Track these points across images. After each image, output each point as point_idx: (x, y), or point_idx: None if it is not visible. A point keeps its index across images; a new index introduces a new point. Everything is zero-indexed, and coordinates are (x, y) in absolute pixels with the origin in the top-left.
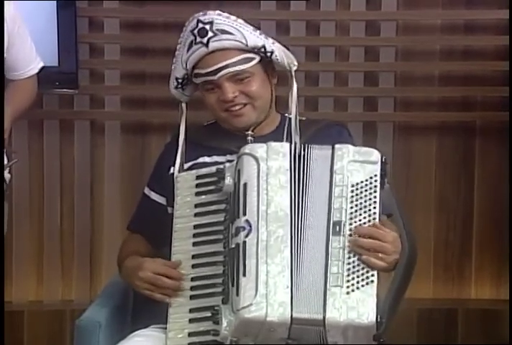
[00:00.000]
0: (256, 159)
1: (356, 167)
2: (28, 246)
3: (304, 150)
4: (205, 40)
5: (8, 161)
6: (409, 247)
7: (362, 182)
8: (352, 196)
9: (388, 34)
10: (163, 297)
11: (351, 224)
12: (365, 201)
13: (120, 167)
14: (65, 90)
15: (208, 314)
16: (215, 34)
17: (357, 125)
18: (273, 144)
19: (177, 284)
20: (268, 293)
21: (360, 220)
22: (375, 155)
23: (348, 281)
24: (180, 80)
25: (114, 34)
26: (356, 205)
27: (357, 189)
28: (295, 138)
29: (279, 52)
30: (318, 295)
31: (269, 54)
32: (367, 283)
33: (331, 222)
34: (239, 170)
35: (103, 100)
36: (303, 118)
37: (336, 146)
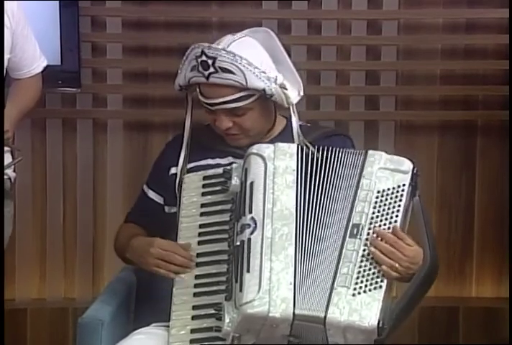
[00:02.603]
0: (263, 158)
1: (385, 174)
2: (31, 245)
3: (331, 153)
4: (206, 73)
5: (13, 159)
6: (430, 263)
7: (388, 189)
8: (376, 202)
9: (390, 33)
10: (170, 273)
11: (369, 229)
12: (388, 208)
13: (122, 165)
14: (67, 88)
15: (211, 311)
16: (216, 71)
17: (359, 124)
18: (280, 145)
19: (185, 261)
20: (271, 289)
21: (380, 226)
22: (407, 165)
23: (356, 283)
24: (183, 87)
25: (116, 33)
26: (378, 211)
27: (382, 196)
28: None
29: (279, 95)
30: (324, 293)
31: (268, 96)
32: (374, 288)
33: (351, 224)
34: (246, 169)
35: (105, 99)
36: (308, 125)
37: (370, 152)
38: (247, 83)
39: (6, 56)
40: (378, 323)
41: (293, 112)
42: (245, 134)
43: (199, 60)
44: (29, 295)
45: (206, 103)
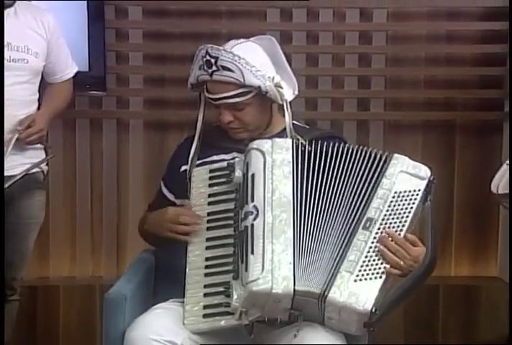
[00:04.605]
0: (262, 152)
1: (405, 177)
2: (63, 229)
3: (349, 150)
4: (209, 71)
5: (46, 155)
6: (428, 262)
7: (405, 191)
8: (391, 201)
9: (379, 42)
10: (180, 236)
11: (381, 224)
12: (401, 209)
13: (142, 159)
14: (94, 92)
15: (221, 289)
16: (218, 69)
17: (352, 123)
18: (277, 140)
19: (194, 221)
20: (273, 269)
21: (391, 223)
22: (425, 172)
23: (359, 271)
24: (193, 85)
25: (138, 43)
26: (392, 210)
27: (398, 196)
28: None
29: (273, 92)
30: (324, 272)
31: (264, 93)
32: (375, 277)
33: (365, 217)
34: (247, 163)
35: (128, 101)
36: (307, 126)
37: (395, 155)
38: (244, 80)
39: (42, 63)
40: (371, 309)
41: (287, 109)
42: (245, 127)
43: (204, 59)
44: (61, 273)
45: (211, 99)
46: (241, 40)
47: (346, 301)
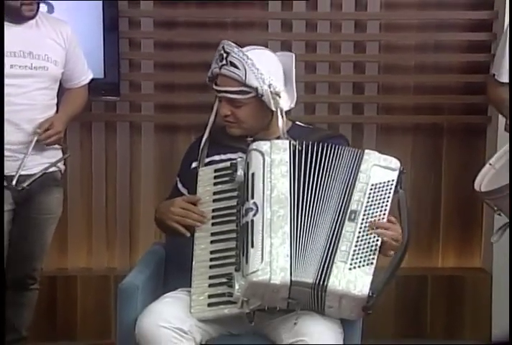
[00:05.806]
0: (262, 153)
1: (378, 170)
2: (80, 225)
3: (332, 149)
4: (220, 64)
5: (63, 155)
6: (406, 242)
7: (380, 183)
8: (370, 193)
9: (372, 52)
10: (186, 231)
11: (364, 215)
12: (380, 199)
13: (153, 160)
14: (109, 97)
15: (224, 280)
16: (226, 64)
17: (347, 126)
18: (275, 141)
19: (199, 217)
20: (272, 261)
21: (373, 213)
22: (395, 163)
23: (352, 259)
24: (210, 78)
25: (149, 52)
26: (372, 201)
27: (375, 188)
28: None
29: (268, 97)
30: (318, 263)
31: (260, 96)
32: (367, 264)
33: (349, 210)
34: (248, 163)
35: (140, 106)
36: (310, 126)
37: (366, 150)
38: (245, 79)
39: (61, 70)
40: (368, 293)
41: (281, 116)
42: (239, 124)
43: (219, 52)
44: (79, 264)
45: (216, 90)
46: (261, 47)
47: (345, 289)
